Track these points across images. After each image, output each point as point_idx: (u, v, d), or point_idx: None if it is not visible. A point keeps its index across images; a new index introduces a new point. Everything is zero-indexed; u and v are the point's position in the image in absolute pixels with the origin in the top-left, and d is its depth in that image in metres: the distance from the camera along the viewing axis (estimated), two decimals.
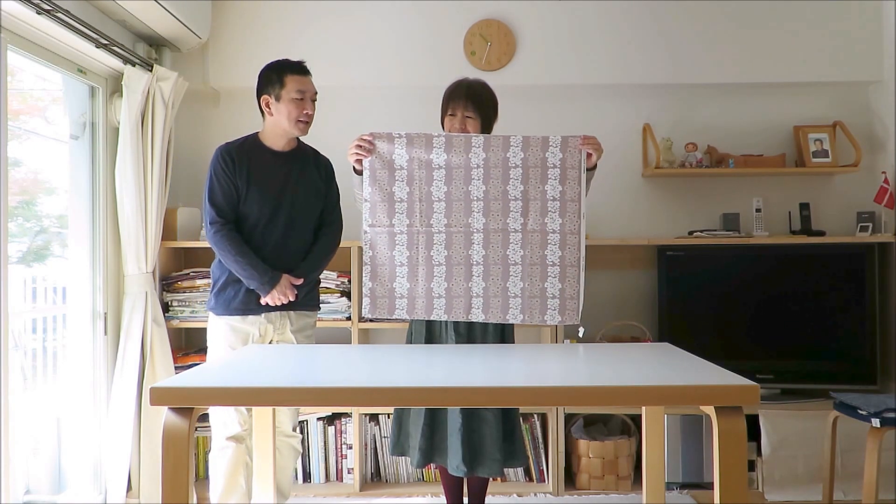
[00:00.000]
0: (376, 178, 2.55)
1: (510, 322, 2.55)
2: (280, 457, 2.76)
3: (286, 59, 2.75)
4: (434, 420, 2.62)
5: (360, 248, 3.50)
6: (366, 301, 2.56)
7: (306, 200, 2.78)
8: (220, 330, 2.75)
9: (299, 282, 2.73)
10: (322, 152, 2.92)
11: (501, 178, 2.51)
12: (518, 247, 2.51)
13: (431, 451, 2.62)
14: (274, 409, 2.51)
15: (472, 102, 2.67)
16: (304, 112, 2.70)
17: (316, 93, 2.77)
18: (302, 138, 2.83)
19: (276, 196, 2.72)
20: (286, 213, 2.73)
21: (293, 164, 2.78)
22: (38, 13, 2.60)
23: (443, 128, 2.74)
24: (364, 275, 2.57)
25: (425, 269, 2.53)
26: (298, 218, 2.76)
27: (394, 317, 2.55)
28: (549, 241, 2.51)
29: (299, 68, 2.72)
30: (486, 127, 2.72)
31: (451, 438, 2.58)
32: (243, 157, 2.73)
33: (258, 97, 2.75)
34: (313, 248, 2.81)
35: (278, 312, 2.74)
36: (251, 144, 2.78)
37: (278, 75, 2.70)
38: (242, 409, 2.69)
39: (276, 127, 2.74)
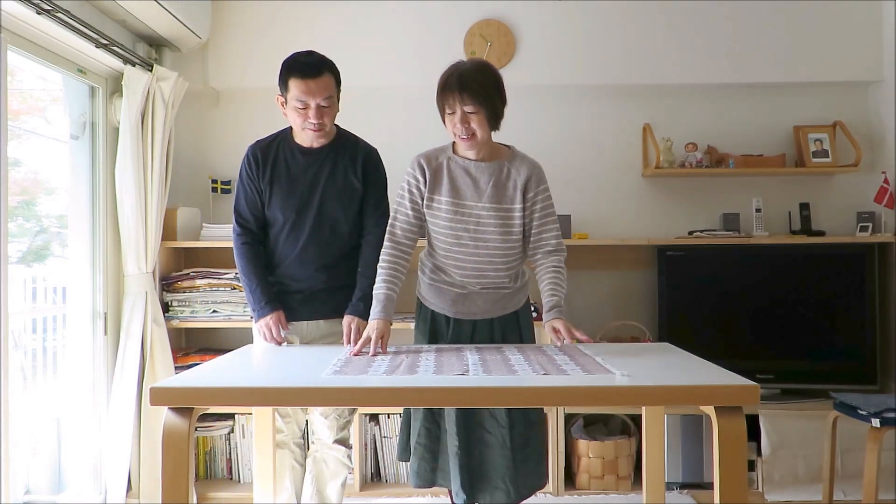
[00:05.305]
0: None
1: None
2: (325, 468, 2.62)
3: (295, 58, 2.46)
4: (433, 441, 2.44)
5: None
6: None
7: (336, 203, 2.52)
8: (256, 336, 2.63)
9: (288, 328, 2.54)
10: None
11: (501, 360, 2.11)
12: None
13: (433, 474, 2.45)
14: (295, 414, 2.50)
15: (469, 93, 2.23)
16: (308, 121, 2.44)
17: (329, 95, 2.44)
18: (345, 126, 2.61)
19: (300, 200, 2.51)
20: (313, 219, 2.51)
21: (323, 162, 2.53)
22: (38, 13, 2.59)
23: (445, 125, 2.39)
24: None
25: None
26: (327, 223, 2.52)
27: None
28: None
29: (303, 70, 2.41)
30: (494, 118, 2.30)
31: (451, 462, 2.40)
32: (269, 157, 2.54)
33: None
34: (358, 275, 2.52)
35: (305, 322, 2.58)
36: (281, 142, 2.56)
37: (285, 76, 2.44)
38: (278, 417, 2.59)
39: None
